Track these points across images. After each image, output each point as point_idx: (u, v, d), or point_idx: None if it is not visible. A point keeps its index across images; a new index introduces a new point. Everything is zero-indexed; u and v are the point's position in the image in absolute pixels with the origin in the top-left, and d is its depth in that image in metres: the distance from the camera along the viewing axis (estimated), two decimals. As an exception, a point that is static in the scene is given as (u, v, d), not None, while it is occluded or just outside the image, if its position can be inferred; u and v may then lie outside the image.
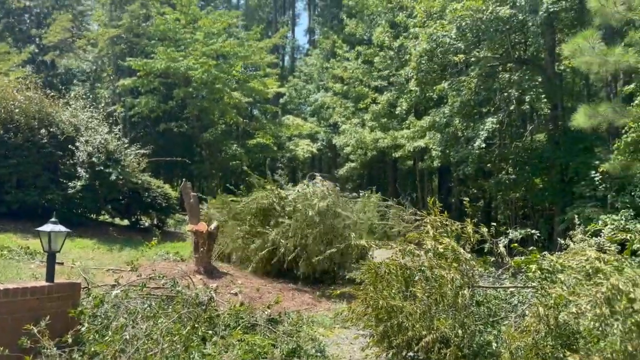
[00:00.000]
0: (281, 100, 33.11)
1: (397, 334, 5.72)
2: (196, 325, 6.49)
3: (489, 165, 17.50)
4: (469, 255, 5.84)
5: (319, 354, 6.35)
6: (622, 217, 10.58)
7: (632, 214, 10.63)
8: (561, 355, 5.05)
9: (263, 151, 25.26)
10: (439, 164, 19.37)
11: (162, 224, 15.47)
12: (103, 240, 12.78)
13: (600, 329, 4.51)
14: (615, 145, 10.60)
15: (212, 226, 10.07)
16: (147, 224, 15.31)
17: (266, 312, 7.28)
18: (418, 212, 6.77)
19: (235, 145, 23.21)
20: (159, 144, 21.66)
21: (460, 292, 5.48)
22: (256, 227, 10.94)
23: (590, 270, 4.67)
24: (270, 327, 6.87)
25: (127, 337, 5.14)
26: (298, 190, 11.53)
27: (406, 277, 6.01)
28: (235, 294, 8.68)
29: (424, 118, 19.89)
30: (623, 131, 10.39)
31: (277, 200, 11.20)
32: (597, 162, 13.33)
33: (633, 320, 4.09)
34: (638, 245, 5.22)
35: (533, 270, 5.74)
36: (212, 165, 25.11)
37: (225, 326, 6.79)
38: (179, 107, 23.33)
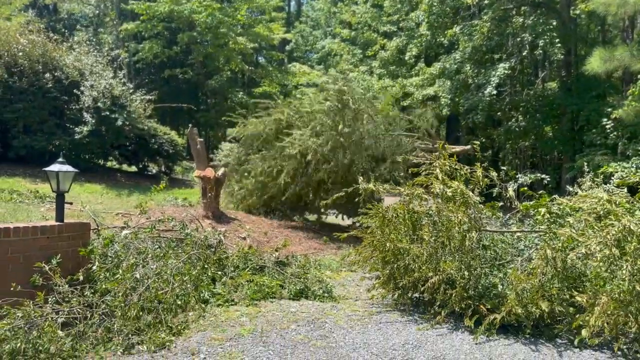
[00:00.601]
0: (287, 48, 32.44)
1: (403, 276, 5.78)
2: (206, 266, 6.61)
3: (499, 113, 17.24)
4: (478, 198, 5.81)
5: (326, 294, 6.45)
6: (633, 164, 10.45)
7: (643, 162, 10.52)
8: (567, 296, 5.10)
9: (269, 99, 24.97)
10: (448, 112, 19.09)
11: (170, 170, 15.52)
12: (111, 186, 12.86)
13: (609, 270, 4.53)
14: (630, 91, 10.34)
15: (220, 172, 10.06)
16: (154, 171, 15.36)
17: (274, 255, 7.37)
18: (427, 157, 6.69)
19: (241, 93, 22.89)
20: (164, 91, 21.42)
21: (467, 235, 5.49)
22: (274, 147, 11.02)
23: (602, 212, 4.64)
24: (278, 269, 6.97)
25: (138, 275, 5.23)
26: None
27: (414, 220, 6.01)
28: (244, 238, 8.77)
29: (433, 65, 19.44)
30: (638, 77, 10.11)
31: (293, 113, 11.23)
32: (609, 110, 13.08)
33: None
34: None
35: (542, 213, 5.72)
36: (218, 114, 24.92)
37: (234, 268, 6.90)
38: (184, 52, 22.90)
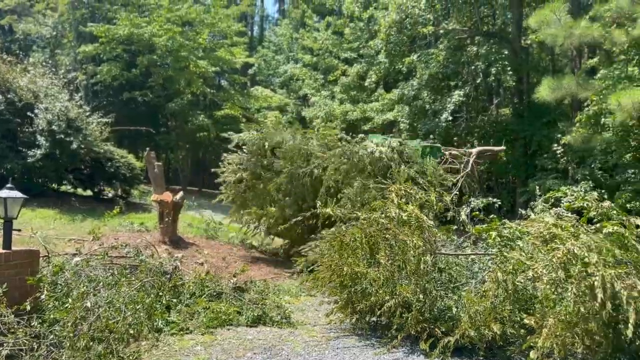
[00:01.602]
0: (250, 71, 32.54)
1: (360, 300, 5.82)
2: (160, 294, 6.47)
3: (455, 138, 17.71)
4: (432, 222, 5.94)
5: (284, 320, 6.41)
6: (582, 188, 10.90)
7: (591, 185, 10.98)
8: (518, 318, 5.24)
9: (231, 123, 24.85)
10: (408, 137, 19.49)
11: (127, 194, 15.18)
12: (65, 211, 12.47)
13: (556, 292, 4.68)
14: (577, 118, 10.86)
15: (178, 196, 9.93)
16: (110, 195, 14.98)
17: (232, 281, 7.28)
18: (384, 182, 6.82)
19: (202, 115, 22.71)
20: (122, 114, 21.03)
21: (422, 259, 5.59)
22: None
23: (548, 236, 4.82)
24: (236, 295, 6.88)
25: (89, 304, 5.07)
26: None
27: (371, 244, 6.08)
28: (202, 264, 8.64)
29: (392, 91, 19.92)
30: (585, 105, 10.63)
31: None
32: (559, 136, 13.67)
33: (586, 284, 4.24)
34: (594, 213, 5.39)
35: (493, 237, 5.89)
36: (179, 137, 24.61)
37: (190, 295, 6.77)
38: (143, 75, 22.63)
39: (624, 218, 4.67)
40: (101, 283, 5.75)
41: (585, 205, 5.48)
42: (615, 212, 4.76)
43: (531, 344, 4.80)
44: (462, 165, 11.04)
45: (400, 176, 7.71)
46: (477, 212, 6.73)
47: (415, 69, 18.08)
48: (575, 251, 4.50)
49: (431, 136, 15.46)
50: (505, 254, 5.44)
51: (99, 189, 14.86)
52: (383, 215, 6.08)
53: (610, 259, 4.31)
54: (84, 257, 6.32)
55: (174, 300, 6.54)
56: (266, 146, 10.41)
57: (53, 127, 12.42)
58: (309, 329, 6.21)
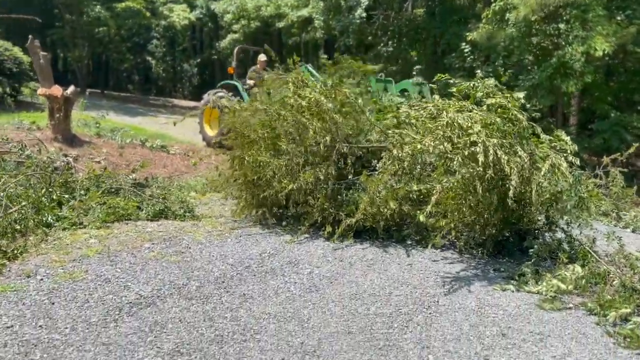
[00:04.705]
0: (153, -41, 29.54)
1: (264, 190, 5.73)
2: (50, 190, 6.03)
3: (369, 38, 17.45)
4: (331, 105, 5.79)
5: (187, 213, 6.24)
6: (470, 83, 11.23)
7: (494, 82, 11.29)
8: (412, 190, 5.40)
9: (133, 17, 22.77)
10: (323, 36, 18.98)
11: (16, 92, 13.74)
12: (-60, 109, 11.12)
13: (445, 165, 4.84)
14: (484, 13, 10.93)
15: (69, 90, 9.07)
16: (-3, 93, 13.51)
17: (131, 177, 6.92)
18: (280, 72, 6.54)
19: (98, 6, 20.50)
20: (11, 4, 18.49)
21: (322, 140, 5.51)
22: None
23: (436, 113, 4.86)
24: (136, 191, 6.56)
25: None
26: None
27: (273, 137, 5.91)
28: (99, 162, 8.12)
29: (307, -16, 18.98)
30: (493, 1, 10.69)
31: None
32: (467, 34, 13.81)
33: (470, 151, 4.35)
34: (481, 93, 5.48)
35: (389, 119, 5.95)
36: (75, 32, 22.29)
37: (85, 190, 6.37)
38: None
39: (507, 94, 4.79)
40: (-23, 179, 5.22)
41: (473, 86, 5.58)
42: (499, 90, 4.85)
43: (423, 217, 4.99)
44: None
45: None
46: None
47: (330, -38, 17.17)
48: (460, 121, 4.56)
49: (345, 34, 15.06)
50: (400, 132, 5.49)
51: (-19, 86, 13.31)
52: (283, 105, 5.89)
53: (495, 133, 4.44)
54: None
55: (66, 196, 6.12)
56: None
57: None
58: (212, 221, 6.10)
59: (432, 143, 4.44)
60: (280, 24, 20.43)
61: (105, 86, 27.66)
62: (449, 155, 4.54)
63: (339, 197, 5.76)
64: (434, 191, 4.39)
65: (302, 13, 18.67)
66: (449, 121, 4.42)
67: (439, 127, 4.54)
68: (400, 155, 5.08)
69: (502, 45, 10.76)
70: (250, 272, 4.36)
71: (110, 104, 20.35)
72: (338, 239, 5.27)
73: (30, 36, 8.94)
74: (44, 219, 5.38)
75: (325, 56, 17.84)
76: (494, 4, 10.61)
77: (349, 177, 5.93)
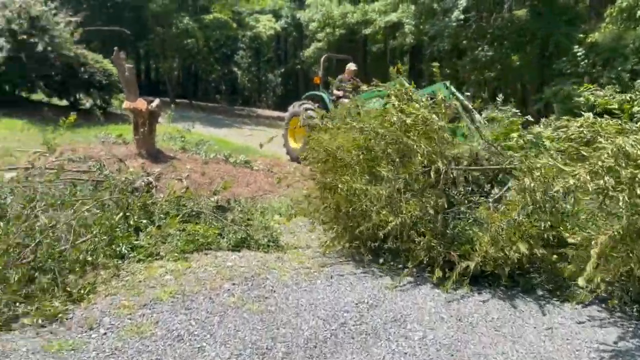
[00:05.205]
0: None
1: (360, 223, 4.89)
2: (128, 214, 5.58)
3: (464, 42, 16.17)
4: (443, 123, 4.86)
5: (271, 243, 5.55)
6: (609, 93, 9.73)
7: (618, 90, 9.77)
8: (552, 238, 4.35)
9: (221, 28, 22.93)
10: (413, 41, 17.93)
11: (106, 104, 13.98)
12: (36, 121, 11.39)
13: (604, 204, 3.74)
14: (608, 12, 9.45)
15: (154, 104, 8.77)
16: (88, 105, 13.78)
17: (213, 199, 6.37)
18: (380, 84, 5.66)
19: (186, 18, 20.75)
20: (101, 17, 19.22)
21: (433, 167, 4.60)
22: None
23: (590, 135, 3.77)
24: (217, 216, 5.98)
25: (26, 227, 4.16)
26: None
27: (369, 159, 5.07)
28: (181, 180, 7.69)
29: (397, -12, 18.01)
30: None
31: None
32: (581, 36, 12.25)
33: None
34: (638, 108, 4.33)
35: (515, 139, 4.91)
36: (164, 43, 22.80)
37: (164, 215, 5.88)
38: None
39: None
40: (52, 201, 4.83)
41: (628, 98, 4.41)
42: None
43: (571, 269, 3.94)
44: None
45: None
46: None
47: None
48: (628, 149, 3.47)
49: (439, 39, 13.93)
50: (533, 161, 4.45)
51: (75, 98, 13.64)
52: (381, 123, 5.02)
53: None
54: (33, 171, 5.34)
55: (144, 221, 5.65)
56: None
57: (13, 26, 10.97)
58: (299, 253, 5.36)
59: (588, 177, 3.38)
60: (367, 31, 19.61)
61: (194, 96, 28.23)
62: (610, 193, 3.46)
63: (447, 231, 4.81)
64: (593, 242, 3.32)
65: (391, 18, 17.71)
66: (615, 148, 3.34)
67: (600, 156, 3.46)
68: (532, 185, 4.09)
69: (631, 47, 9.23)
70: (346, 333, 3.53)
71: (198, 114, 20.54)
72: (451, 287, 4.32)
73: (115, 48, 8.76)
74: (117, 249, 4.91)
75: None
76: (619, 1, 9.12)
77: (461, 207, 4.97)
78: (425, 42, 19.62)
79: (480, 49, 14.95)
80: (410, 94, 5.08)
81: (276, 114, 28.45)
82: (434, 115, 4.63)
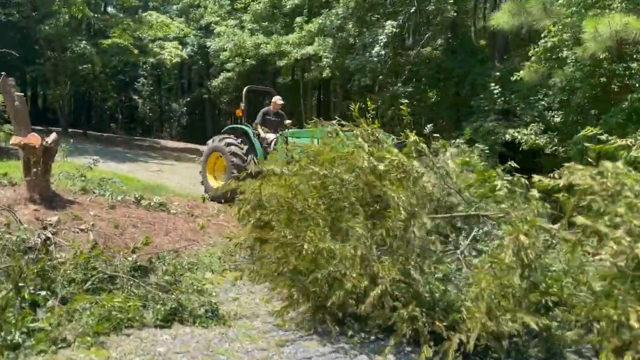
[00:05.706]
0: (141, -6, 28.33)
1: (328, 291, 4.06)
2: (21, 286, 4.31)
3: (380, 77, 16.15)
4: (423, 169, 4.24)
5: (209, 314, 4.53)
6: (532, 131, 9.92)
7: (542, 128, 10.03)
8: (550, 303, 3.83)
9: (120, 53, 21.23)
10: (329, 75, 17.66)
11: (-14, 136, 11.97)
12: None
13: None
14: (533, 51, 9.67)
15: (50, 139, 7.34)
16: (-37, 137, 11.71)
17: (130, 259, 5.20)
18: (343, 123, 4.95)
19: (84, 42, 18.87)
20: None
21: (415, 222, 3.93)
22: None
23: (615, 189, 3.29)
24: (138, 280, 4.84)
25: None
26: None
27: (333, 211, 4.31)
28: (85, 231, 6.36)
29: (313, 21, 17.70)
30: (543, 35, 9.44)
31: None
32: (497, 74, 12.64)
33: None
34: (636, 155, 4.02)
35: (499, 188, 4.40)
36: (56, 68, 20.59)
37: (68, 282, 4.64)
38: (7, -9, 18.31)
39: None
40: None
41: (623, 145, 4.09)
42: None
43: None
44: None
45: None
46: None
47: (338, -3, 15.98)
48: None
49: (360, 74, 13.68)
50: (526, 212, 3.94)
51: (-55, 130, 11.51)
52: (349, 168, 4.30)
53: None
54: None
55: (43, 293, 4.39)
56: None
57: None
58: (247, 325, 4.40)
59: (625, 240, 2.86)
60: (281, 63, 19.07)
61: (87, 125, 25.84)
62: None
63: (425, 294, 4.13)
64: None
65: (307, 51, 17.33)
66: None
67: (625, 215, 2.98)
68: (525, 243, 3.58)
69: (558, 86, 9.46)
70: None
71: (94, 146, 18.58)
72: (441, 366, 3.61)
73: (2, 74, 7.29)
74: (9, 337, 3.66)
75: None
76: (542, 41, 9.36)
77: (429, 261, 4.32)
78: (337, 77, 19.52)
79: (399, 84, 14.96)
80: (377, 135, 4.42)
81: (182, 145, 26.79)
82: (414, 162, 3.97)
